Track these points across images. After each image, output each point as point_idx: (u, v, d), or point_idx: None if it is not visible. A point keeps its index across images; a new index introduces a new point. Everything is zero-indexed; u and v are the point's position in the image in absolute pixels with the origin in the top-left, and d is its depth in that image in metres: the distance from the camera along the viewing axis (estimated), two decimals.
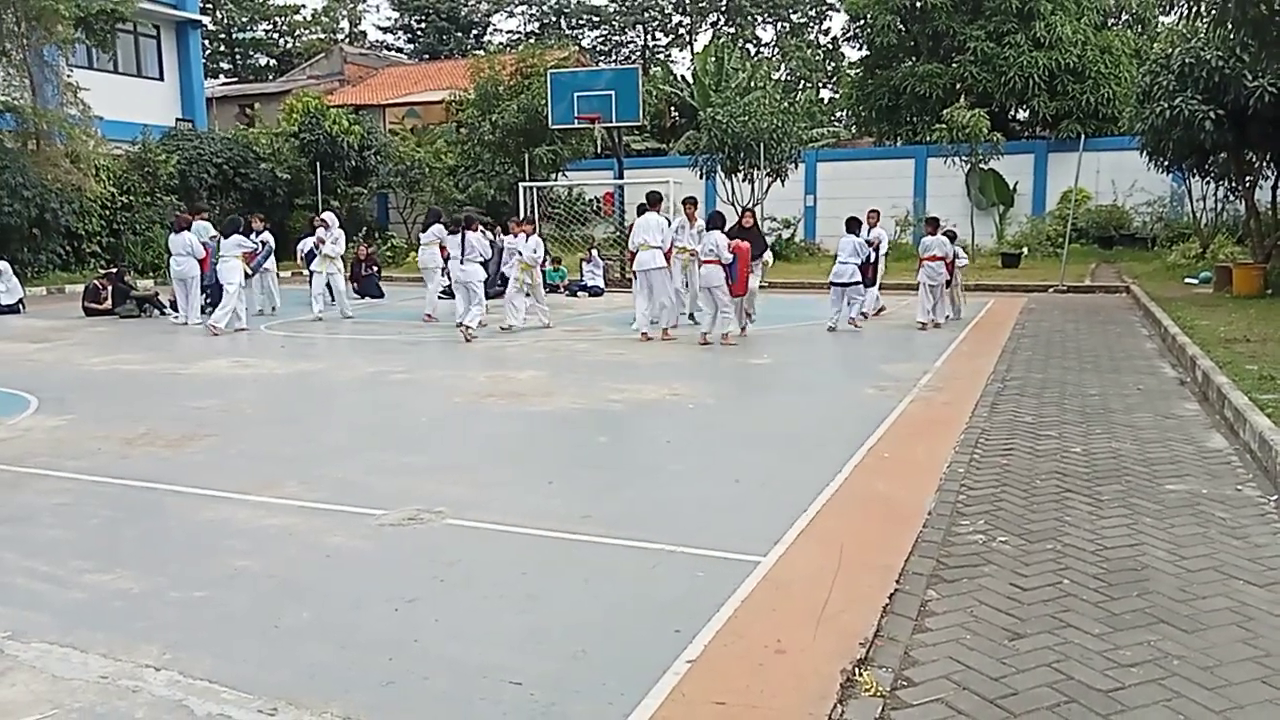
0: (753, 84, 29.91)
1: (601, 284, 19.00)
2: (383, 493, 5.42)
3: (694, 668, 3.29)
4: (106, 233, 21.22)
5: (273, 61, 49.19)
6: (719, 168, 22.51)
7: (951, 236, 13.33)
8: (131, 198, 21.72)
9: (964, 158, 22.02)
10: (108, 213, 21.16)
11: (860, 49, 30.35)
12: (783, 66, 44.69)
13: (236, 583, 4.16)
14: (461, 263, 12.29)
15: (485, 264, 12.58)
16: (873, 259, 12.76)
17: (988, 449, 6.20)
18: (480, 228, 13.61)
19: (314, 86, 33.62)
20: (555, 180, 24.35)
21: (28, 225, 18.98)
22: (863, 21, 28.22)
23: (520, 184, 21.07)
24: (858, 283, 12.26)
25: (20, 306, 16.13)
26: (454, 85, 27.01)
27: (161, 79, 27.73)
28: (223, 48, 48.01)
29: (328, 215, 16.02)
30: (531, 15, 54.08)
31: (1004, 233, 24.11)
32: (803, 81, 43.36)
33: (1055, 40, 24.45)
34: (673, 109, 33.43)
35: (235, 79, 45.15)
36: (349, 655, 3.45)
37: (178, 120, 26.99)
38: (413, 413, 8.04)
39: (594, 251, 19.67)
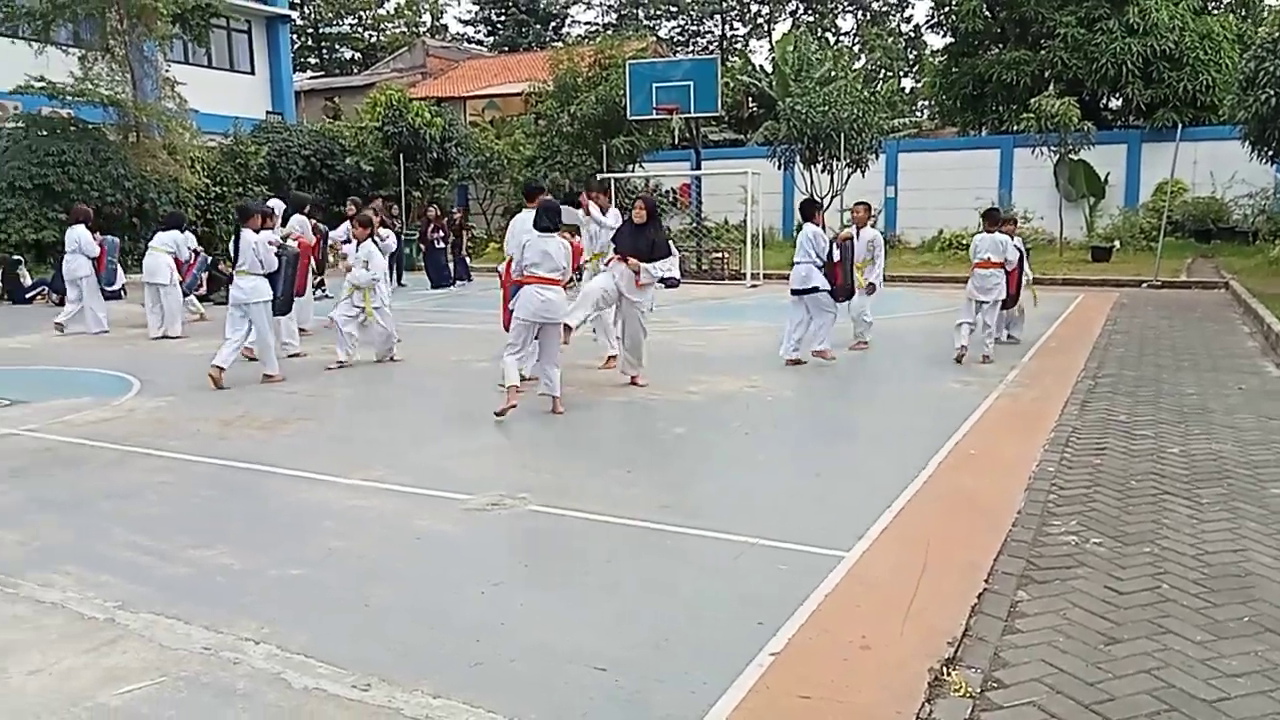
0: (833, 74, 29.49)
1: (677, 275, 18.96)
2: (466, 478, 5.52)
3: (778, 660, 3.27)
4: (201, 222, 21.99)
5: (357, 55, 50.27)
6: (798, 158, 22.26)
7: (1011, 224, 10.16)
8: (224, 188, 22.44)
9: (1053, 148, 21.33)
10: (202, 203, 21.92)
11: (944, 36, 29.63)
12: (863, 56, 43.96)
13: (330, 562, 4.29)
14: (232, 276, 8.79)
15: (272, 278, 8.70)
16: (835, 258, 9.26)
17: (1079, 448, 6.02)
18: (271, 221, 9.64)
19: (397, 79, 34.26)
20: (632, 171, 24.39)
21: (128, 214, 19.79)
22: (947, 8, 27.54)
23: (597, 175, 21.18)
24: (820, 290, 9.04)
25: (122, 292, 16.83)
26: (532, 77, 27.20)
27: (252, 73, 28.62)
28: (310, 42, 49.22)
29: (274, 202, 13.19)
30: (609, 6, 54.24)
31: (1094, 225, 23.33)
32: (883, 70, 42.59)
33: (1151, 26, 23.47)
34: (751, 99, 33.16)
35: (322, 73, 46.31)
36: (438, 636, 3.53)
37: (268, 113, 27.81)
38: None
39: (670, 243, 19.70)
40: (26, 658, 3.36)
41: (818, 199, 9.23)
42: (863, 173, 22.23)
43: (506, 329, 7.55)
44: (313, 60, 49.05)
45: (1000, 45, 26.76)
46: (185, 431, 6.79)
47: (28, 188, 18.67)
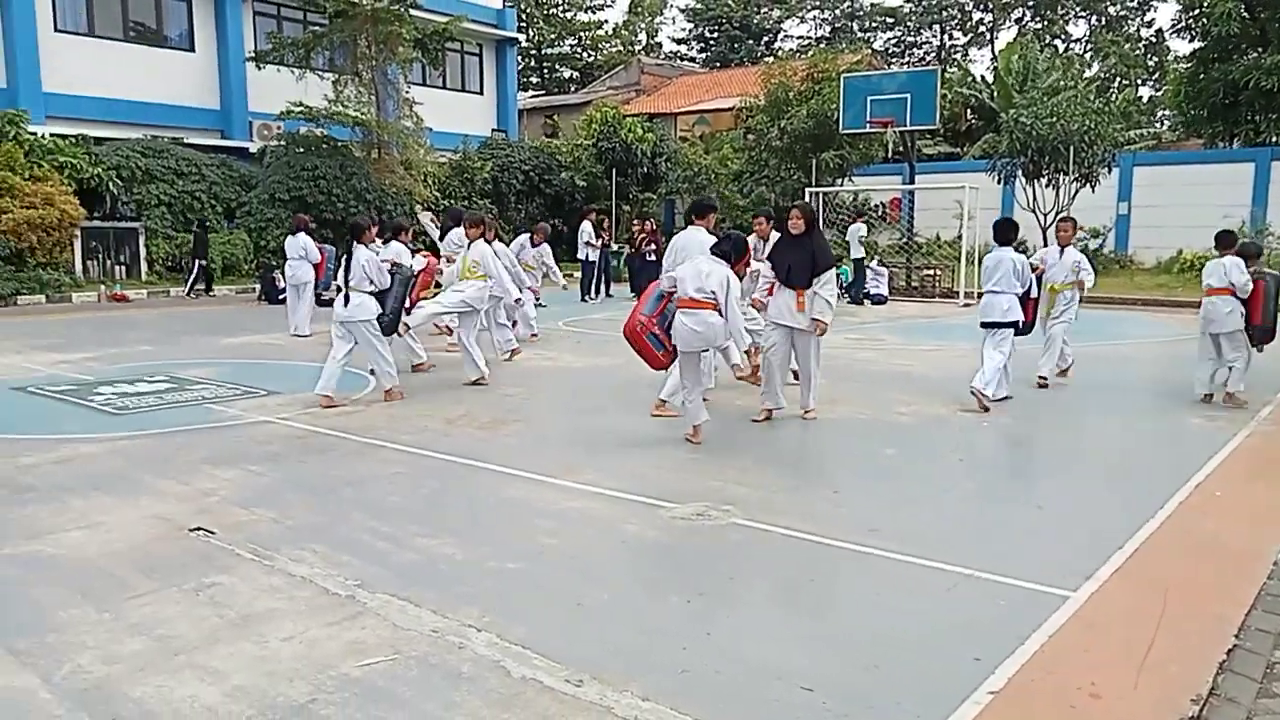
0: (1062, 83, 27.81)
1: (885, 292, 18.54)
2: (672, 486, 5.61)
3: (997, 700, 3.12)
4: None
5: (575, 74, 52.39)
6: (1020, 172, 21.15)
7: (1255, 255, 8.55)
8: (451, 201, 23.97)
9: None
10: (430, 214, 23.55)
11: (1191, 41, 27.26)
12: (1095, 63, 41.22)
13: (545, 558, 4.49)
14: (348, 295, 8.06)
15: (382, 296, 8.28)
16: (1034, 292, 8.58)
17: None
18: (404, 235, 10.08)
19: (612, 96, 35.43)
20: (841, 185, 24.01)
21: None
22: (1197, 10, 25.33)
23: (805, 189, 21.00)
24: (1011, 324, 8.12)
25: None
26: (743, 92, 27.34)
27: (481, 93, 30.47)
28: (532, 63, 51.79)
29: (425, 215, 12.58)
30: (823, 20, 53.73)
31: None
32: (1119, 79, 39.72)
33: None
34: (969, 111, 31.84)
35: (542, 91, 48.60)
36: (645, 640, 3.61)
37: (493, 130, 29.51)
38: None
39: (877, 259, 19.27)
40: (281, 625, 3.72)
41: (1013, 221, 8.20)
42: (1093, 188, 20.84)
43: (654, 365, 7.06)
44: (534, 80, 51.54)
45: (1260, 49, 24.31)
46: (415, 427, 7.31)
47: (285, 199, 20.74)
